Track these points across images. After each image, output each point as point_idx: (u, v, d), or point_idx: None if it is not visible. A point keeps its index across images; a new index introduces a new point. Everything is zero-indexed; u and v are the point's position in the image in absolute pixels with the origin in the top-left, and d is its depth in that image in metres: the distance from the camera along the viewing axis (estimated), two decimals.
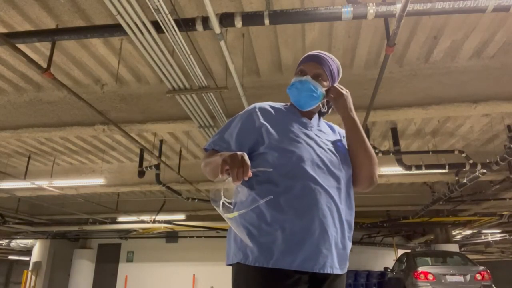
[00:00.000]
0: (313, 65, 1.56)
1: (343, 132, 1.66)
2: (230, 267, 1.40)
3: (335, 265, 1.33)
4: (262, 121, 1.49)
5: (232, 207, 1.36)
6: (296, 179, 1.36)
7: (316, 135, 1.52)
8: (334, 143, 1.54)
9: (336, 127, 1.67)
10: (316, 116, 1.63)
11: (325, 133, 1.58)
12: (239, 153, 1.24)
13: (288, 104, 1.65)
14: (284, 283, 1.25)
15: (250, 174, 1.22)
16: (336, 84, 1.59)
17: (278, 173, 1.37)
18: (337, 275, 1.36)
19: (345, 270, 1.40)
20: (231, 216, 1.29)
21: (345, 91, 1.57)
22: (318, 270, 1.29)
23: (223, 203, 1.24)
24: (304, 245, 1.28)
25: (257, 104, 1.57)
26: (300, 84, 1.54)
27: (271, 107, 1.58)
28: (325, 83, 1.56)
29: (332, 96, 1.57)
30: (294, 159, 1.39)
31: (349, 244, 1.42)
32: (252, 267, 1.28)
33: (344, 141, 1.60)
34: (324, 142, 1.51)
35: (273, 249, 1.28)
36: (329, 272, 1.31)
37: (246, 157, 1.23)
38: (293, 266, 1.26)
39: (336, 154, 1.49)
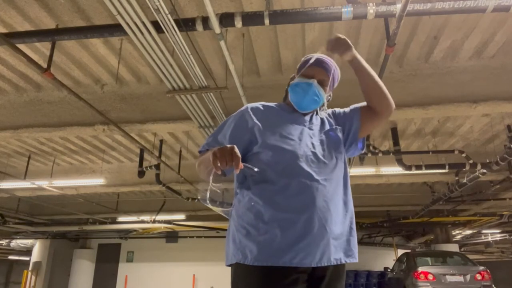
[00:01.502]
0: (320, 71, 1.58)
1: (331, 113, 1.67)
2: (230, 267, 1.40)
3: (332, 257, 1.34)
4: (255, 120, 1.50)
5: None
6: (292, 176, 1.37)
7: (309, 129, 1.54)
8: (326, 134, 1.55)
9: (324, 115, 1.67)
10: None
11: (316, 125, 1.59)
12: (229, 145, 1.25)
13: (281, 103, 1.66)
14: (282, 282, 1.26)
15: (241, 166, 1.23)
16: (335, 38, 1.57)
17: (273, 172, 1.38)
18: (336, 271, 1.37)
19: (355, 257, 1.40)
20: (216, 210, 1.30)
21: (342, 38, 1.56)
22: (317, 264, 1.30)
23: (209, 196, 1.25)
24: (303, 241, 1.29)
25: (249, 105, 1.59)
26: (306, 85, 1.55)
27: (264, 106, 1.59)
28: (327, 89, 1.60)
29: (335, 49, 1.57)
30: (288, 157, 1.40)
31: (353, 230, 1.44)
32: (251, 266, 1.28)
33: (335, 129, 1.60)
34: (316, 136, 1.53)
35: (272, 247, 1.28)
36: (326, 264, 1.32)
37: (236, 150, 1.24)
38: (293, 262, 1.27)
39: (329, 144, 1.51)
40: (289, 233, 1.30)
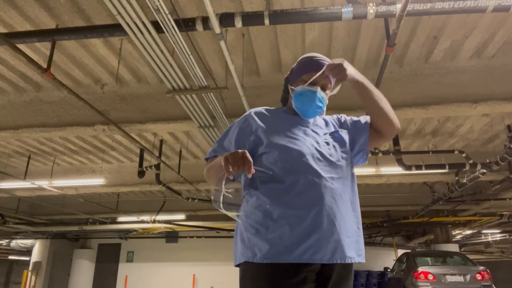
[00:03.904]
0: (322, 75, 1.57)
1: (336, 118, 1.67)
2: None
3: (345, 255, 1.34)
4: (259, 123, 1.53)
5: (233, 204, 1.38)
6: (299, 173, 1.38)
7: (312, 130, 1.55)
8: (331, 135, 1.57)
9: (328, 118, 1.68)
10: None
11: (321, 127, 1.60)
12: (240, 150, 1.27)
13: (284, 107, 1.69)
14: (291, 280, 1.26)
15: (253, 170, 1.25)
16: (330, 64, 1.53)
17: (281, 170, 1.40)
18: (344, 271, 1.37)
19: (362, 258, 1.41)
20: (230, 215, 1.30)
21: (341, 62, 1.51)
22: (327, 261, 1.30)
23: (223, 202, 1.25)
24: (312, 237, 1.30)
25: (252, 109, 1.62)
26: (311, 94, 1.55)
27: (266, 110, 1.62)
28: (328, 92, 1.61)
29: (336, 77, 1.53)
30: (295, 155, 1.42)
31: (360, 231, 1.44)
32: (261, 264, 1.29)
33: (341, 132, 1.61)
34: (321, 136, 1.54)
35: (282, 244, 1.29)
36: (338, 262, 1.32)
37: (248, 154, 1.26)
38: (303, 259, 1.28)
39: (335, 145, 1.52)
40: (298, 230, 1.30)
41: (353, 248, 1.38)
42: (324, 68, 1.53)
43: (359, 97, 1.59)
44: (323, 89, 1.57)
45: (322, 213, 1.33)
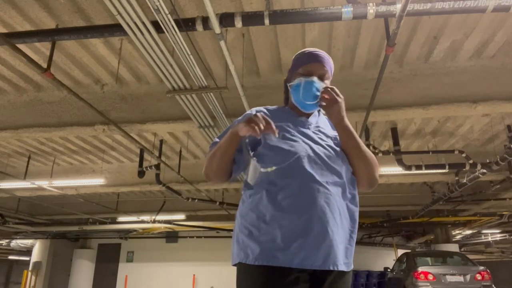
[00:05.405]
0: (318, 66, 1.55)
1: None
2: (231, 267, 1.43)
3: (338, 262, 1.32)
4: None
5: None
6: (293, 177, 1.37)
7: (313, 132, 1.52)
8: (333, 138, 1.53)
9: None
10: (316, 113, 1.63)
11: (324, 128, 1.57)
12: (258, 114, 1.36)
13: (285, 106, 1.67)
14: (283, 281, 1.26)
15: (276, 130, 1.35)
16: (332, 87, 1.46)
17: (275, 172, 1.38)
18: (340, 274, 1.35)
19: (350, 267, 1.38)
20: (268, 170, 1.39)
21: (340, 98, 1.44)
22: (319, 268, 1.29)
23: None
24: (303, 242, 1.29)
25: (254, 108, 1.61)
26: (307, 84, 1.51)
27: (268, 109, 1.61)
28: (327, 82, 1.57)
29: (327, 101, 1.44)
30: (290, 158, 1.40)
31: (352, 240, 1.41)
32: (253, 266, 1.29)
33: None
34: (322, 138, 1.51)
35: (272, 248, 1.28)
36: (330, 269, 1.30)
37: (265, 116, 1.36)
38: (293, 264, 1.26)
39: (336, 148, 1.49)
40: (289, 234, 1.29)
41: (345, 255, 1.36)
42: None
43: (341, 141, 1.50)
44: (321, 79, 1.53)
45: (313, 218, 1.31)
